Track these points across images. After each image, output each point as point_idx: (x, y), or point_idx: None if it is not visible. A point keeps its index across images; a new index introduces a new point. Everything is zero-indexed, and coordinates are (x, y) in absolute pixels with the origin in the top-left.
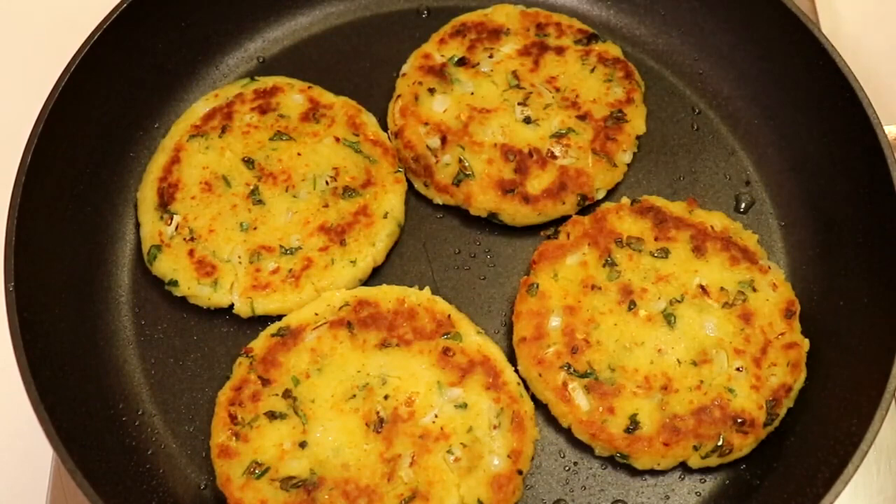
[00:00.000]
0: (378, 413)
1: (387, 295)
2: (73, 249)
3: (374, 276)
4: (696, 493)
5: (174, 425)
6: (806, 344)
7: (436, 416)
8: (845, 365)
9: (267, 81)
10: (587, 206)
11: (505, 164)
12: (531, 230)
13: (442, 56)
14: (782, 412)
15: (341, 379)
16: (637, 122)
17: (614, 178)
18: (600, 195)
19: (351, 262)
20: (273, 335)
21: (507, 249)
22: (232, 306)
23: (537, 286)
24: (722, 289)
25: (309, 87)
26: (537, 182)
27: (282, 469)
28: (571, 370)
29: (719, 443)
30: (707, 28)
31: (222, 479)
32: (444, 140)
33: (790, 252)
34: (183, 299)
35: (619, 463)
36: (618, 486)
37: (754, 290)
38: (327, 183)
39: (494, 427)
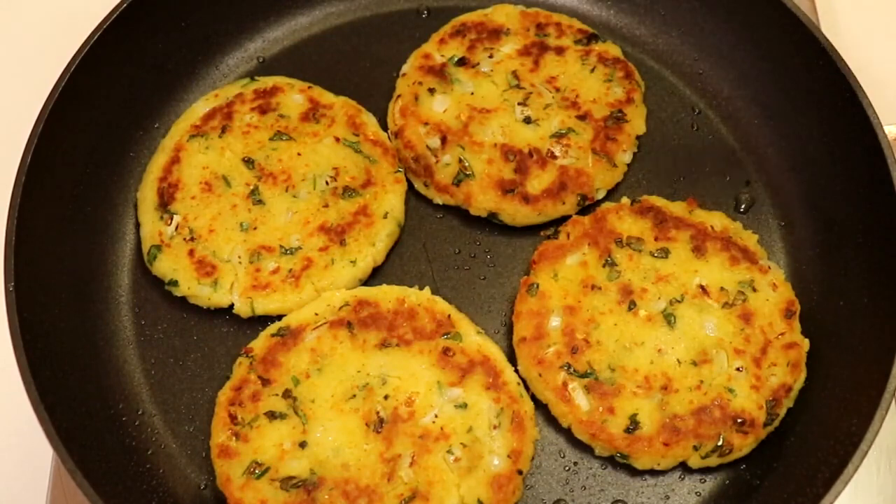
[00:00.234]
0: (378, 413)
1: (387, 295)
2: (73, 249)
3: (374, 276)
4: (696, 493)
5: (174, 425)
6: (806, 344)
7: (436, 416)
8: (845, 365)
9: (267, 81)
10: (587, 206)
11: (505, 164)
12: (531, 230)
13: (442, 56)
14: (782, 412)
15: (341, 379)
16: (637, 122)
17: (614, 178)
18: (600, 195)
19: (351, 262)
20: (273, 335)
21: (507, 249)
22: (232, 306)
23: (537, 286)
24: (722, 289)
25: (309, 87)
26: (537, 182)
27: (282, 469)
28: (571, 370)
29: (719, 443)
30: (707, 28)
31: (222, 479)
32: (444, 140)
33: (790, 252)
34: (183, 299)
35: (619, 463)
36: (618, 486)
37: (754, 290)
38: (327, 183)
39: (494, 427)
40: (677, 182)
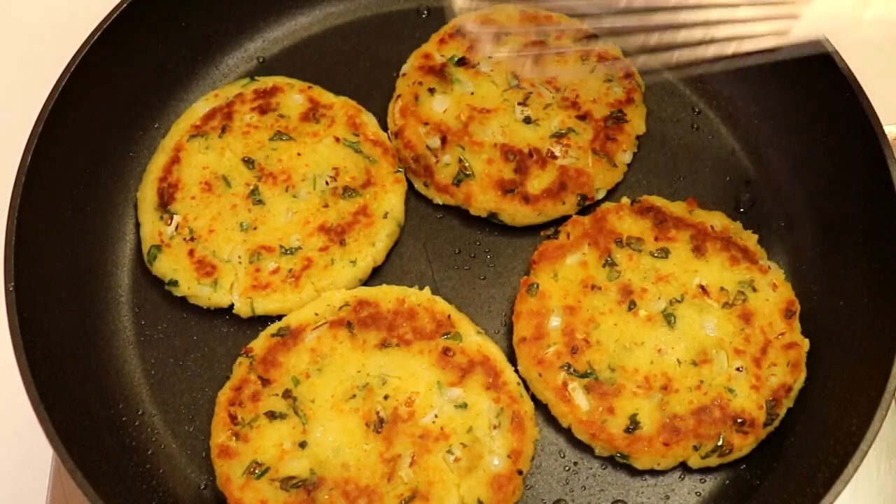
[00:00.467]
0: (378, 413)
1: (387, 295)
2: (73, 249)
3: (374, 276)
4: (696, 493)
5: (174, 425)
6: (806, 344)
7: (436, 416)
8: (845, 365)
9: (267, 81)
10: (587, 206)
11: (505, 164)
12: (531, 230)
13: (442, 56)
14: (782, 412)
15: (341, 379)
16: (637, 122)
17: (614, 178)
18: (600, 195)
19: (351, 262)
20: (273, 335)
21: (507, 249)
22: (232, 306)
23: (537, 286)
24: (722, 289)
25: (309, 87)
26: (537, 182)
27: (282, 469)
28: (571, 370)
29: (719, 443)
30: None
31: (222, 479)
32: (444, 140)
33: (790, 252)
34: (183, 299)
35: (619, 463)
36: (618, 486)
37: (754, 290)
38: (327, 183)
39: (494, 427)
40: (677, 182)
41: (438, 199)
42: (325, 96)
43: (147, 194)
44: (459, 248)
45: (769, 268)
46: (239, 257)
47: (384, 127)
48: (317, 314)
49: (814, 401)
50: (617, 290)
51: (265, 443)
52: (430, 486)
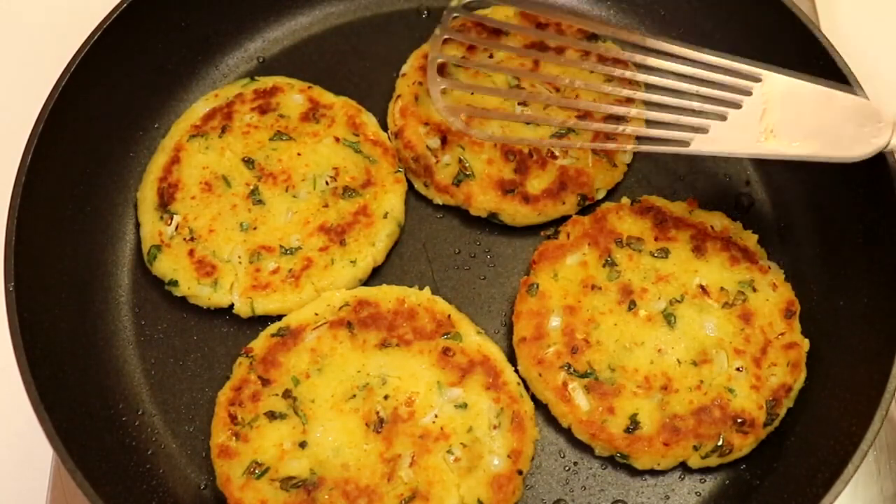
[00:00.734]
0: (378, 413)
1: (387, 295)
2: (73, 249)
3: (374, 276)
4: (696, 493)
5: (174, 425)
6: (806, 344)
7: (436, 416)
8: (845, 365)
9: (267, 81)
10: (587, 206)
11: (505, 165)
12: (531, 230)
13: (442, 56)
14: (782, 412)
15: (341, 379)
16: (637, 121)
17: (614, 178)
18: (600, 195)
19: (351, 262)
20: (273, 335)
21: (507, 249)
22: (232, 306)
23: (537, 286)
24: (722, 289)
25: (309, 87)
26: (537, 182)
27: (282, 469)
28: (571, 370)
29: (719, 443)
30: (707, 28)
31: (222, 479)
32: (444, 140)
33: (790, 252)
34: (183, 299)
35: (619, 463)
36: (618, 486)
37: (754, 290)
38: (327, 183)
39: (494, 427)
40: (677, 182)
41: (438, 200)
42: (325, 96)
43: (147, 194)
44: (459, 248)
45: (769, 268)
46: (239, 257)
47: (384, 127)
48: (317, 314)
49: (814, 401)
50: (617, 290)
51: (265, 443)
52: (430, 486)
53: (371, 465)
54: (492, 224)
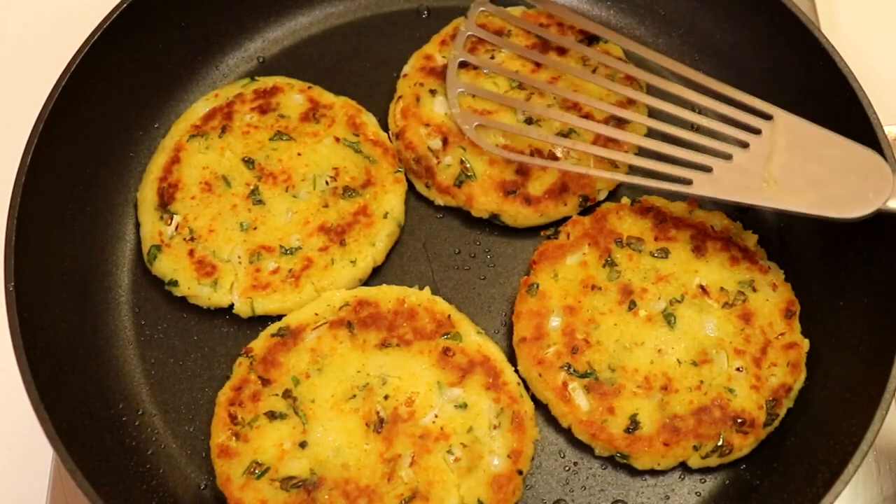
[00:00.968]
0: (378, 413)
1: (387, 295)
2: (73, 249)
3: (374, 276)
4: (696, 493)
5: (174, 425)
6: (806, 344)
7: (436, 416)
8: (845, 365)
9: (267, 81)
10: (588, 207)
11: (506, 166)
12: (531, 230)
13: (443, 57)
14: (782, 412)
15: (341, 379)
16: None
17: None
18: (602, 196)
19: (351, 262)
20: (273, 335)
21: (507, 249)
22: (232, 306)
23: (537, 286)
24: (722, 289)
25: (309, 87)
26: (539, 183)
27: (282, 469)
28: (571, 370)
29: (719, 443)
30: (707, 28)
31: (222, 479)
32: (445, 141)
33: (790, 252)
34: (183, 299)
35: (619, 463)
36: (618, 486)
37: (754, 290)
38: (327, 183)
39: (494, 427)
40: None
41: (440, 201)
42: (325, 96)
43: (147, 194)
44: (459, 248)
45: (769, 268)
46: (239, 257)
47: (384, 127)
48: (317, 314)
49: (814, 401)
50: (617, 290)
51: (265, 443)
52: (430, 486)
53: (371, 465)
54: (492, 224)
